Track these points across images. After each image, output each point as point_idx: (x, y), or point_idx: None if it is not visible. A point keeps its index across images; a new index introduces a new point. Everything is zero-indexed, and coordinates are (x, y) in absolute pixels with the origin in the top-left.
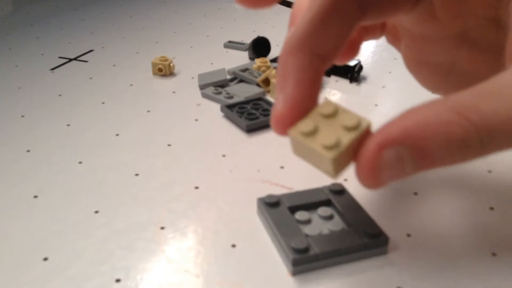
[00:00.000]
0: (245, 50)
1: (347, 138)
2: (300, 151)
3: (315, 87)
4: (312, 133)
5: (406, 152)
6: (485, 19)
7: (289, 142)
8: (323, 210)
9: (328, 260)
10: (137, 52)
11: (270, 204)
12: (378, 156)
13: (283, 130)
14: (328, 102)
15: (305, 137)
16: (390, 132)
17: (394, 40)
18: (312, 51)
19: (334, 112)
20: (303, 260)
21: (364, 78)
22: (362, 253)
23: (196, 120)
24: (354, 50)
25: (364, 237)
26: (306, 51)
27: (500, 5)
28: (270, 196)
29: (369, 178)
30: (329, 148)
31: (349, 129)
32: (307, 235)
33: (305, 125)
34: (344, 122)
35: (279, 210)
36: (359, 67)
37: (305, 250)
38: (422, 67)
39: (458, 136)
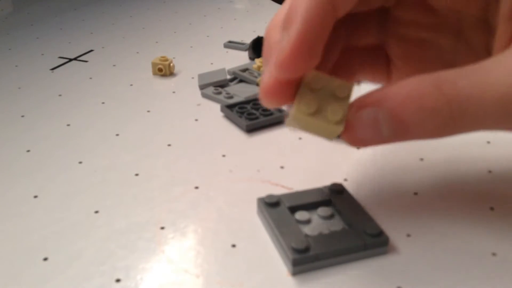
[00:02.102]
0: (245, 50)
1: (345, 108)
2: (300, 125)
3: (324, 33)
4: (316, 111)
5: (382, 115)
6: (476, 19)
7: (288, 143)
8: (323, 210)
9: (328, 260)
10: (137, 52)
11: (270, 204)
12: (358, 114)
13: (289, 72)
14: (312, 73)
15: (312, 116)
16: (371, 95)
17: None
18: None
19: (322, 83)
20: (303, 260)
21: None
22: (362, 253)
23: (196, 120)
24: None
25: (364, 237)
26: None
27: (489, 7)
28: (270, 196)
29: (349, 133)
30: (338, 122)
31: (343, 98)
32: (307, 235)
33: (306, 105)
34: (337, 93)
35: (279, 210)
36: None
37: (305, 250)
38: None
39: (429, 104)
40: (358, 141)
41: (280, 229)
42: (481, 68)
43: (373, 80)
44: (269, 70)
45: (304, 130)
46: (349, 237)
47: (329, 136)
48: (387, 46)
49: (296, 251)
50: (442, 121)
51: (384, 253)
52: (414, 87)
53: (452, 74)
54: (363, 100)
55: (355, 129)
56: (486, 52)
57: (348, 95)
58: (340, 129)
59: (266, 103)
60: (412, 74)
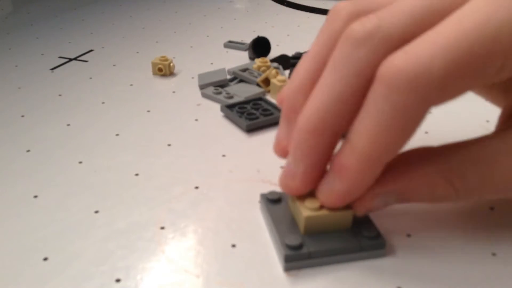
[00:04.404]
0: (245, 50)
1: (327, 211)
2: (317, 226)
3: (328, 161)
4: (306, 195)
5: (393, 197)
6: None
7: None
8: None
9: (322, 258)
10: (137, 52)
11: (272, 201)
12: (371, 201)
13: (299, 193)
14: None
15: (322, 210)
16: (384, 185)
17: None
18: (334, 131)
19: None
20: (295, 256)
21: None
22: (358, 255)
23: (196, 120)
24: None
25: (360, 239)
26: (329, 132)
27: None
28: (272, 193)
29: (361, 211)
30: (309, 209)
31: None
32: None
33: (310, 203)
34: None
35: (281, 206)
36: None
37: (299, 247)
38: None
39: (440, 196)
40: (367, 212)
41: (278, 225)
42: (487, 160)
43: None
44: (301, 174)
45: (292, 210)
46: (345, 238)
47: (347, 221)
48: None
49: (289, 247)
50: (447, 202)
51: (380, 256)
52: (424, 179)
53: (459, 163)
54: (377, 191)
55: (368, 208)
56: None
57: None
58: (304, 213)
59: (279, 155)
60: None
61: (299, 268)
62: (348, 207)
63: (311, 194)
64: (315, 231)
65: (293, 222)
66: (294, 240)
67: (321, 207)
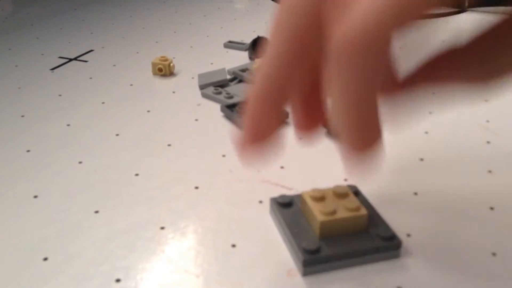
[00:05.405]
0: (245, 50)
1: (342, 214)
2: (332, 230)
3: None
4: (318, 199)
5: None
6: None
7: (288, 143)
8: None
9: (339, 262)
10: (137, 52)
11: (282, 205)
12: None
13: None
14: (342, 187)
15: (311, 200)
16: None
17: None
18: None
19: (345, 195)
20: (314, 261)
21: None
22: (374, 256)
23: (196, 120)
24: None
25: (376, 240)
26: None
27: None
28: (283, 196)
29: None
30: (323, 213)
31: (349, 209)
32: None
33: (324, 207)
34: (347, 204)
35: (292, 210)
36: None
37: (316, 251)
38: None
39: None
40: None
41: (292, 229)
42: None
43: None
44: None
45: (305, 215)
46: (361, 240)
47: (362, 224)
48: None
49: (307, 252)
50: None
51: (396, 256)
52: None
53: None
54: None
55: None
56: None
57: (355, 209)
58: (319, 218)
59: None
60: None
61: (317, 272)
62: (361, 210)
63: (323, 198)
64: (331, 235)
65: (306, 225)
66: (311, 245)
67: (335, 211)
